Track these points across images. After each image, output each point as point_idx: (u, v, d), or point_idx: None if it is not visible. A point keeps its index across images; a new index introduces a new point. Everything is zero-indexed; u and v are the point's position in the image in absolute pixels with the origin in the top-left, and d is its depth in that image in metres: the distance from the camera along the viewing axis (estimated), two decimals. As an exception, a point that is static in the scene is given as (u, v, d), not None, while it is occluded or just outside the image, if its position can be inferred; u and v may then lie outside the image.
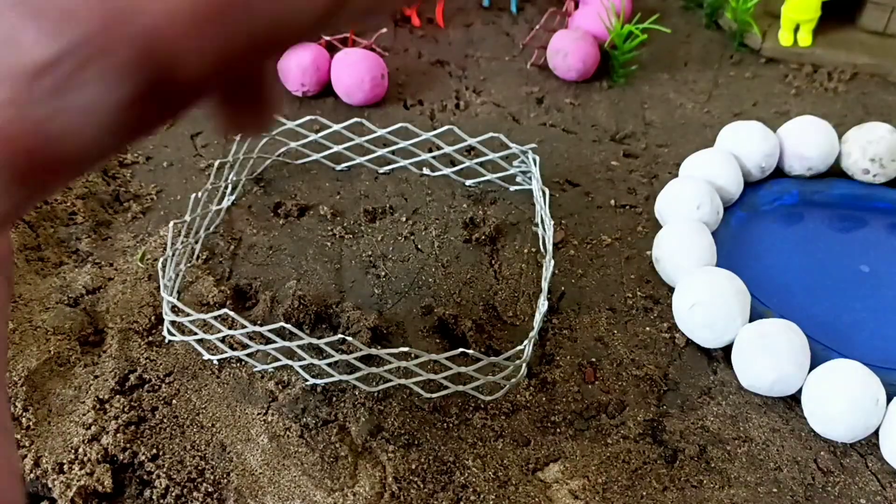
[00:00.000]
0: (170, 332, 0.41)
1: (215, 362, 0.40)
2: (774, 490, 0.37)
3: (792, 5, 0.64)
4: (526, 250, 0.48)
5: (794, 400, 0.40)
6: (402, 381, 0.38)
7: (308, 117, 0.51)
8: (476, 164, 0.52)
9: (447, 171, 0.52)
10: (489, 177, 0.52)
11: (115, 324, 0.42)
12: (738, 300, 0.41)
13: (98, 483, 0.34)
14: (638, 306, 0.45)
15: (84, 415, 0.37)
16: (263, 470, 0.36)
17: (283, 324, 0.38)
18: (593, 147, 0.57)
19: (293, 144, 0.53)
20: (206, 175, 0.51)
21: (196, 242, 0.46)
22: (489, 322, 0.44)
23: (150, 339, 0.41)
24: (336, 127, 0.51)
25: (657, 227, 0.48)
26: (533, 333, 0.39)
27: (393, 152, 0.52)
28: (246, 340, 0.39)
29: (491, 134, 0.49)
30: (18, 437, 0.36)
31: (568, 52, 0.61)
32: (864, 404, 0.37)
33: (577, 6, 0.67)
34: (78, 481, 0.34)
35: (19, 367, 0.38)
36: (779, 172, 0.53)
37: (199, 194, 0.47)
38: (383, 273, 0.46)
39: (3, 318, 0.22)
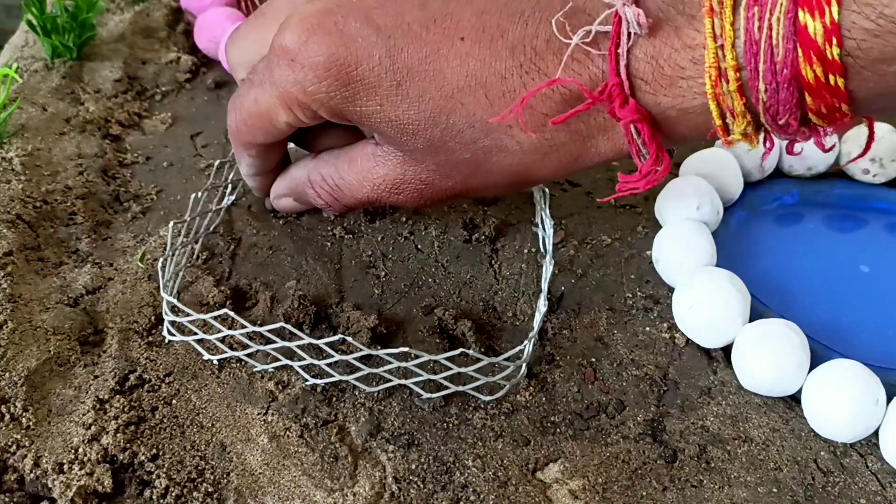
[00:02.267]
0: (170, 332, 0.41)
1: (215, 362, 0.40)
2: (774, 490, 0.37)
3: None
4: (526, 250, 0.48)
5: (794, 400, 0.40)
6: (402, 382, 0.38)
7: (308, 117, 0.51)
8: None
9: (447, 171, 0.52)
10: (489, 177, 0.52)
11: (115, 324, 0.42)
12: (738, 300, 0.41)
13: (98, 483, 0.34)
14: (638, 306, 0.45)
15: (84, 415, 0.37)
16: (263, 470, 0.36)
17: (283, 324, 0.38)
18: (593, 147, 0.57)
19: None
20: (206, 175, 0.51)
21: (196, 242, 0.46)
22: (489, 322, 0.44)
23: (150, 339, 0.41)
24: (336, 127, 0.51)
25: (657, 227, 0.48)
26: (533, 333, 0.39)
27: (393, 152, 0.52)
28: (246, 340, 0.39)
29: (491, 134, 0.49)
30: (18, 437, 0.36)
31: (568, 52, 0.61)
32: (864, 404, 0.37)
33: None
34: (78, 481, 0.34)
35: (19, 367, 0.38)
36: (779, 172, 0.53)
37: (199, 194, 0.47)
38: (383, 273, 0.46)
39: None
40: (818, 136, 0.33)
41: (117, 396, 0.38)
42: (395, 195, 0.40)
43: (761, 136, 0.35)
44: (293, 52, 0.35)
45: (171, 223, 0.45)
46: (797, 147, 0.37)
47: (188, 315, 0.40)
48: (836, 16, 0.28)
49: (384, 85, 0.35)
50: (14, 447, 0.35)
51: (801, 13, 0.29)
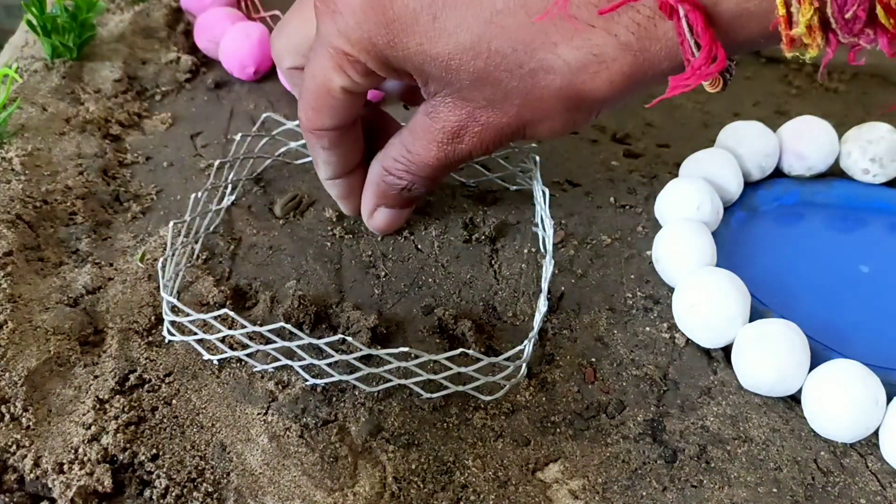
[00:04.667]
0: (170, 332, 0.41)
1: (215, 362, 0.40)
2: (774, 490, 0.37)
3: (792, 5, 0.64)
4: (526, 250, 0.48)
5: (794, 400, 0.40)
6: (402, 381, 0.38)
7: (308, 117, 0.50)
8: (476, 163, 0.52)
9: (447, 171, 0.52)
10: (489, 177, 0.52)
11: (115, 324, 0.42)
12: (738, 300, 0.41)
13: (98, 483, 0.34)
14: (638, 306, 0.45)
15: (84, 415, 0.37)
16: (263, 470, 0.36)
17: (283, 324, 0.38)
18: (593, 147, 0.57)
19: (293, 144, 0.53)
20: (206, 175, 0.51)
21: (196, 242, 0.46)
22: (489, 322, 0.44)
23: (150, 339, 0.41)
24: (336, 127, 0.51)
25: (657, 227, 0.48)
26: (533, 333, 0.39)
27: (393, 152, 0.52)
28: (246, 340, 0.39)
29: (491, 134, 0.49)
30: (18, 437, 0.36)
31: (568, 52, 0.61)
32: (864, 404, 0.37)
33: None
34: (78, 481, 0.34)
35: (19, 367, 0.38)
36: (779, 172, 0.53)
37: (199, 194, 0.47)
38: (383, 273, 0.46)
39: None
40: (885, 36, 0.30)
41: (117, 396, 0.38)
42: (458, 146, 0.40)
43: (822, 40, 0.32)
44: (333, 1, 0.36)
45: (171, 223, 0.45)
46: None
47: (188, 315, 0.40)
48: None
49: (421, 20, 0.35)
50: (14, 447, 0.35)
51: None
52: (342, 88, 0.38)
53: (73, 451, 0.35)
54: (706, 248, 0.44)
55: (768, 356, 0.39)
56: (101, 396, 0.38)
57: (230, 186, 0.50)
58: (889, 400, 0.38)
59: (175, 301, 0.40)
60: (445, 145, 0.40)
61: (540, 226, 0.48)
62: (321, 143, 0.42)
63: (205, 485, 0.35)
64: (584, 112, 0.39)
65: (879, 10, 0.30)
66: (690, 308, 0.42)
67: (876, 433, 0.38)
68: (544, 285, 0.42)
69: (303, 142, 0.52)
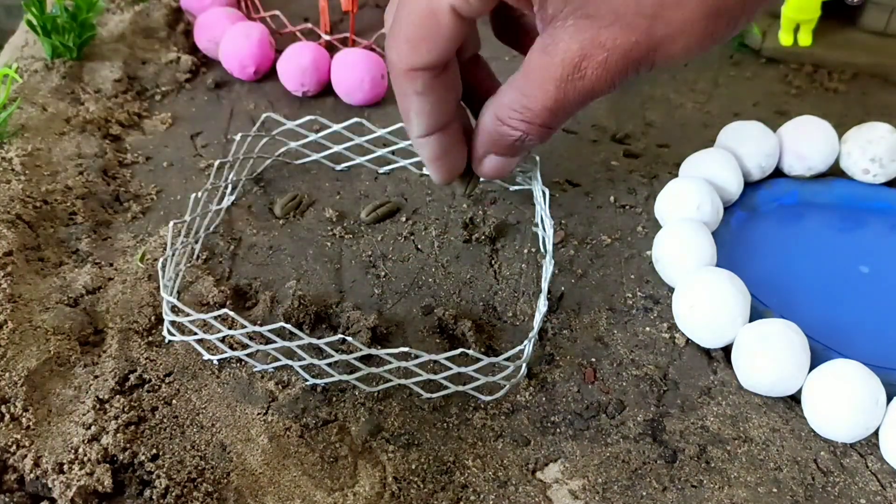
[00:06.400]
0: (170, 332, 0.41)
1: (215, 362, 0.40)
2: (774, 490, 0.37)
3: (792, 5, 0.64)
4: (526, 250, 0.48)
5: (794, 400, 0.40)
6: (402, 381, 0.38)
7: (308, 117, 0.51)
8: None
9: (447, 171, 0.52)
10: (489, 177, 0.52)
11: (115, 324, 0.42)
12: (738, 300, 0.41)
13: (98, 483, 0.34)
14: (638, 306, 0.45)
15: (84, 415, 0.37)
16: (263, 470, 0.36)
17: (283, 324, 0.38)
18: (593, 147, 0.57)
19: (293, 144, 0.53)
20: (206, 175, 0.51)
21: (196, 242, 0.46)
22: (489, 322, 0.44)
23: (150, 339, 0.41)
24: (336, 127, 0.51)
25: (657, 227, 0.48)
26: (533, 333, 0.39)
27: (393, 152, 0.52)
28: (246, 340, 0.39)
29: (491, 134, 0.49)
30: (18, 437, 0.36)
31: (568, 52, 0.61)
32: (864, 404, 0.37)
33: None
34: (78, 481, 0.34)
35: (19, 367, 0.38)
36: (779, 172, 0.53)
37: (199, 194, 0.47)
38: (383, 273, 0.46)
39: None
40: None
41: (117, 396, 0.38)
42: (579, 81, 0.34)
43: None
44: None
45: (171, 223, 0.45)
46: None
47: (188, 315, 0.40)
48: None
49: None
50: (14, 447, 0.35)
51: None
52: (451, 9, 0.33)
53: (73, 451, 0.35)
54: (706, 248, 0.44)
55: (768, 356, 0.39)
56: (101, 396, 0.38)
57: (230, 186, 0.50)
58: (889, 400, 0.38)
59: (175, 301, 0.40)
60: (565, 83, 0.34)
61: (540, 226, 0.48)
62: (414, 86, 0.37)
63: (205, 485, 0.35)
64: (725, 19, 0.32)
65: None
66: (690, 308, 0.42)
67: (876, 433, 0.38)
68: (544, 285, 0.42)
69: (303, 142, 0.52)
